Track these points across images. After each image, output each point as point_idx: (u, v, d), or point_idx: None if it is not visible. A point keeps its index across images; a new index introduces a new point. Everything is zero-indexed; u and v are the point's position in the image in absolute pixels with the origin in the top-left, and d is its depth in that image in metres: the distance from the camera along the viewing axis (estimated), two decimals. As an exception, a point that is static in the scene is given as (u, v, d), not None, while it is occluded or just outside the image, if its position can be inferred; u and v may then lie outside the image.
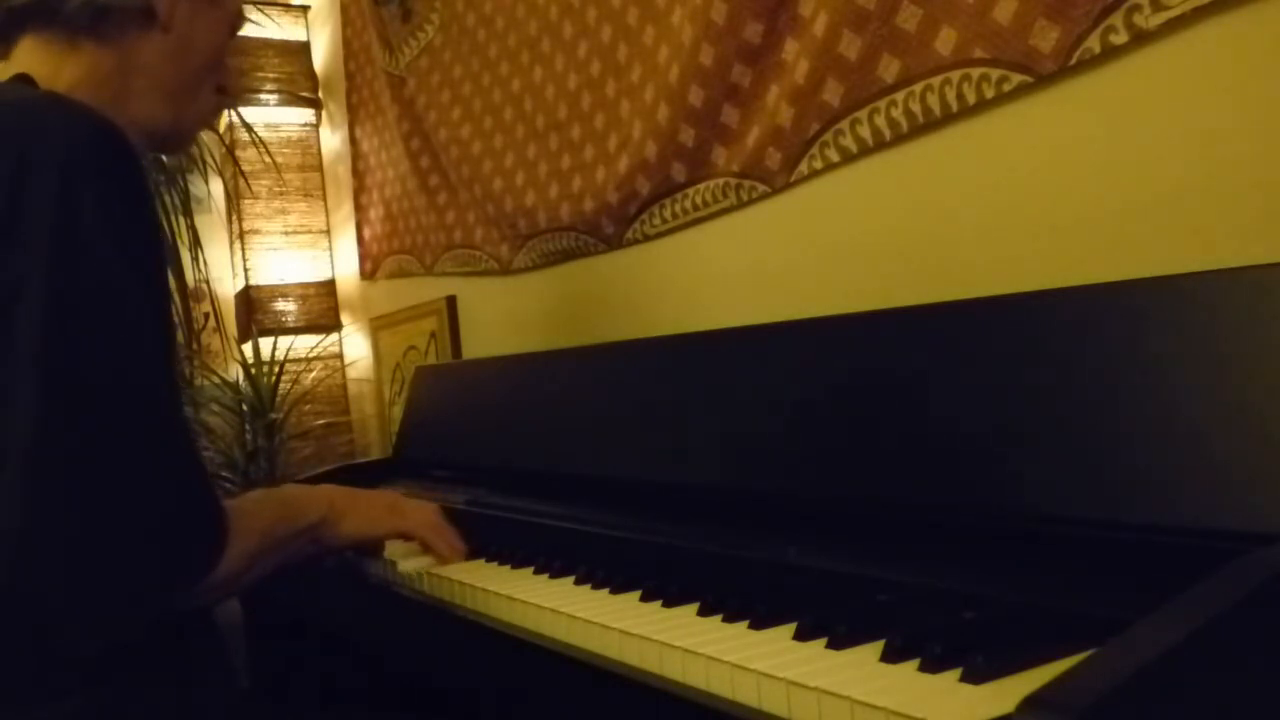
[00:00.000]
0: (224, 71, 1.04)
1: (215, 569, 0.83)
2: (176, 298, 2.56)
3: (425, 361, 2.44)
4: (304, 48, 3.06)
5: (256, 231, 2.95)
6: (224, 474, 2.71)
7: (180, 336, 2.61)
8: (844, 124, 1.27)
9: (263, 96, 2.96)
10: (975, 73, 1.10)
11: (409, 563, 1.09)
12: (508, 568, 1.02)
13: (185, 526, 0.81)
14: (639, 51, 1.62)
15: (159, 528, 0.79)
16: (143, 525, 0.77)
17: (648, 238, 1.66)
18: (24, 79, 0.88)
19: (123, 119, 0.93)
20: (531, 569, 0.99)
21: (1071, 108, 1.03)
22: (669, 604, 0.81)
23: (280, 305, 2.93)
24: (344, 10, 2.79)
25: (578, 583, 0.92)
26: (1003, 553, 0.73)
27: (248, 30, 2.85)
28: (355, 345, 2.98)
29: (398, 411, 2.51)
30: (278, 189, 2.97)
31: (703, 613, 0.77)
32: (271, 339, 2.84)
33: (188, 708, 0.85)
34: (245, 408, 2.78)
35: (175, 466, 0.81)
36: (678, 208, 1.57)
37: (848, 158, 1.28)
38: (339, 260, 3.02)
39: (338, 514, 1.04)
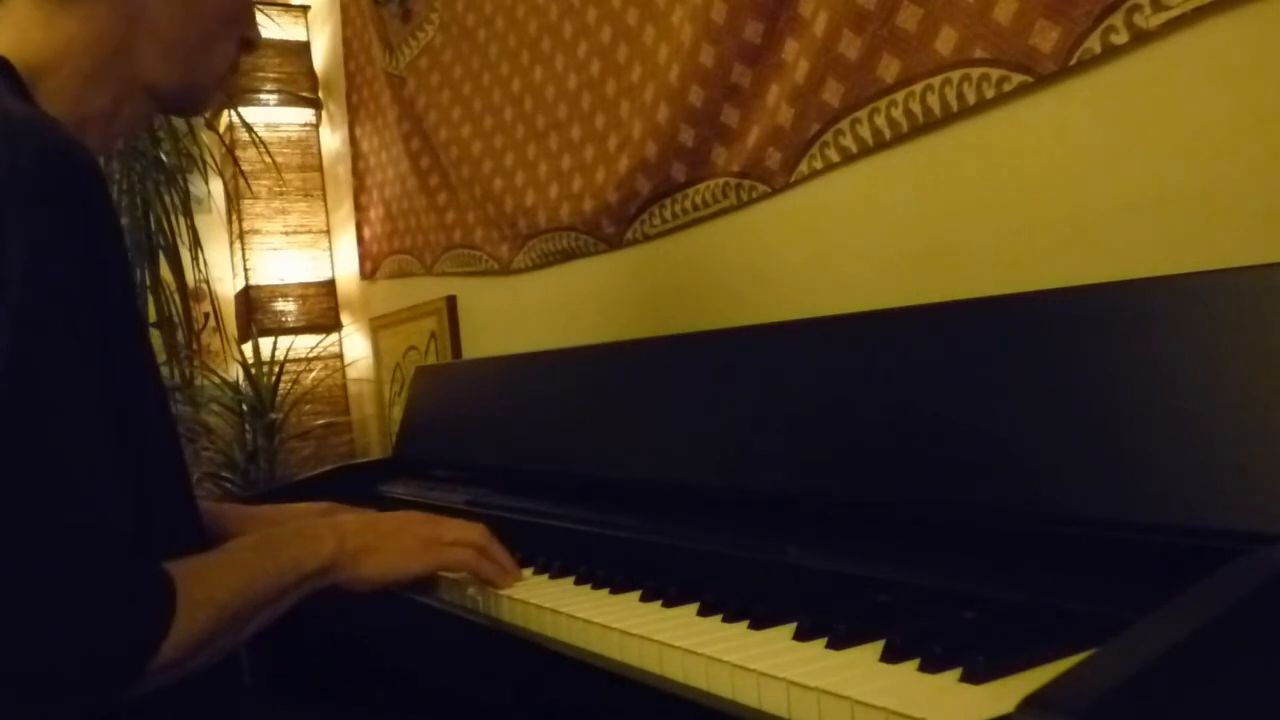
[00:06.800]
0: (247, 23, 0.95)
1: (149, 661, 0.67)
2: (176, 299, 2.57)
3: (425, 361, 2.44)
4: (304, 48, 3.06)
5: (256, 231, 2.95)
6: (224, 474, 2.71)
7: (180, 337, 2.61)
8: (844, 124, 1.27)
9: (263, 96, 2.96)
10: (975, 73, 1.10)
11: None
12: (508, 568, 1.02)
13: (91, 609, 0.64)
14: (639, 51, 1.62)
15: (47, 615, 0.62)
16: (25, 612, 0.62)
17: (648, 238, 1.66)
18: None
19: (126, 78, 0.89)
20: (531, 569, 0.99)
21: (1071, 108, 1.03)
22: (669, 604, 0.81)
23: (280, 305, 2.93)
24: (344, 10, 2.79)
25: (578, 583, 0.92)
26: (1002, 552, 0.73)
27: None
28: (355, 345, 2.98)
29: (398, 411, 2.51)
30: (278, 189, 2.98)
31: (703, 613, 0.77)
32: (271, 339, 2.85)
33: (194, 705, 0.85)
34: (245, 408, 2.78)
35: (75, 528, 0.65)
36: (678, 208, 1.57)
37: (848, 158, 1.28)
38: (339, 260, 3.02)
39: (352, 553, 0.88)
